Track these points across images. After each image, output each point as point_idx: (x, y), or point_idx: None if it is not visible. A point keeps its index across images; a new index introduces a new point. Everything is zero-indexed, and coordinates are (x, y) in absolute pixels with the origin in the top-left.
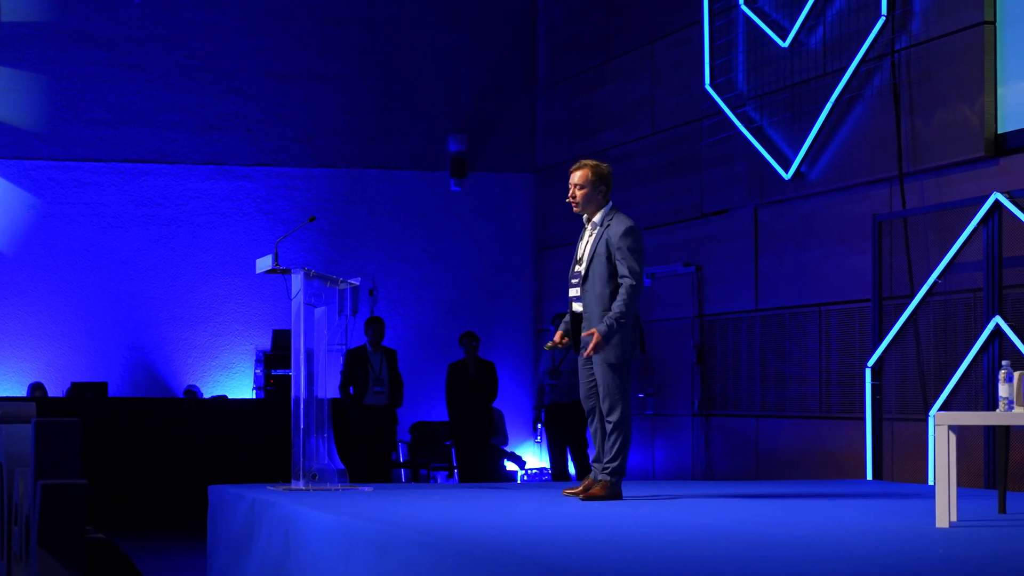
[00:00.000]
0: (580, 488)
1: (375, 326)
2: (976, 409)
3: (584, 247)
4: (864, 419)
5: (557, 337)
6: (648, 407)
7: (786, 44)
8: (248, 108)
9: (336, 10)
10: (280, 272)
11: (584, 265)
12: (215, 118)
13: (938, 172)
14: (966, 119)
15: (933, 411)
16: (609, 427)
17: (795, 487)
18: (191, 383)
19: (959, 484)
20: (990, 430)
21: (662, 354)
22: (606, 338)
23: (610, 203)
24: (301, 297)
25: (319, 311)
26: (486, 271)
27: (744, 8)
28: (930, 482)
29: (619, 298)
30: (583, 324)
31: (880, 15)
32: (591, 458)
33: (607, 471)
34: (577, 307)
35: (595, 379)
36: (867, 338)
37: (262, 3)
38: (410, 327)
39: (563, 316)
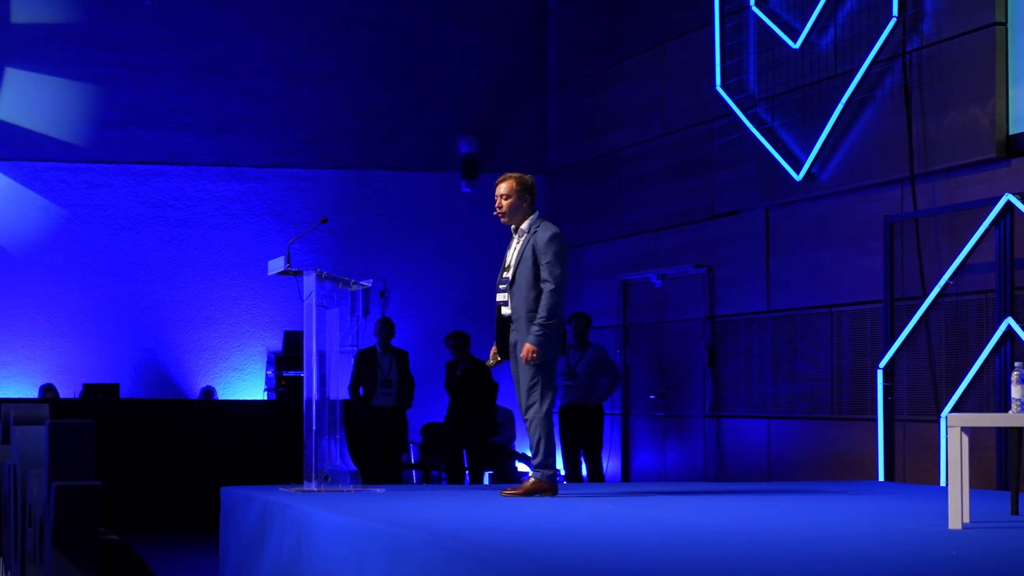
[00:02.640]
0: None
1: (384, 327)
2: (988, 410)
3: (512, 254)
4: (876, 420)
5: (493, 352)
6: (659, 408)
7: (797, 45)
8: (259, 110)
9: (347, 11)
10: (292, 274)
11: (512, 271)
12: (226, 120)
13: (949, 173)
14: (977, 120)
15: (945, 412)
16: (528, 424)
17: (807, 488)
18: (208, 384)
19: (971, 485)
20: (1002, 431)
21: (673, 355)
22: (540, 346)
23: (536, 212)
24: (313, 299)
25: (331, 312)
26: (496, 273)
27: (755, 9)
28: (942, 483)
29: (542, 303)
30: (512, 326)
31: (891, 16)
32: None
33: (537, 466)
34: (506, 311)
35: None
36: (879, 339)
37: (273, 5)
38: (420, 328)
39: (581, 315)
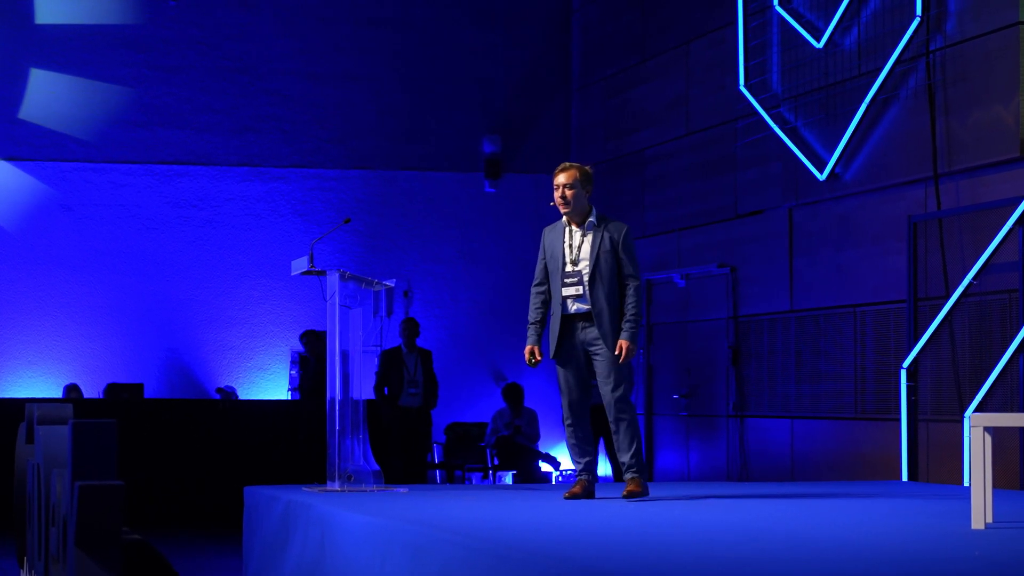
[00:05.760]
0: (580, 490)
1: (409, 327)
2: (1012, 410)
3: (578, 248)
4: (899, 420)
5: (532, 354)
6: (683, 408)
7: (821, 45)
8: (283, 110)
9: (371, 11)
10: (316, 274)
11: (589, 265)
12: (250, 120)
13: (973, 173)
14: (1001, 120)
15: (969, 412)
16: (623, 424)
17: (830, 488)
18: (227, 384)
19: (995, 485)
20: None
21: (697, 355)
22: (633, 341)
23: (592, 205)
24: (336, 299)
25: (354, 312)
26: (520, 272)
27: (779, 9)
28: (965, 483)
29: (631, 300)
30: (594, 321)
31: (915, 16)
32: (584, 464)
33: (633, 467)
34: (580, 306)
35: (587, 381)
36: (902, 339)
37: (297, 4)
38: (444, 328)
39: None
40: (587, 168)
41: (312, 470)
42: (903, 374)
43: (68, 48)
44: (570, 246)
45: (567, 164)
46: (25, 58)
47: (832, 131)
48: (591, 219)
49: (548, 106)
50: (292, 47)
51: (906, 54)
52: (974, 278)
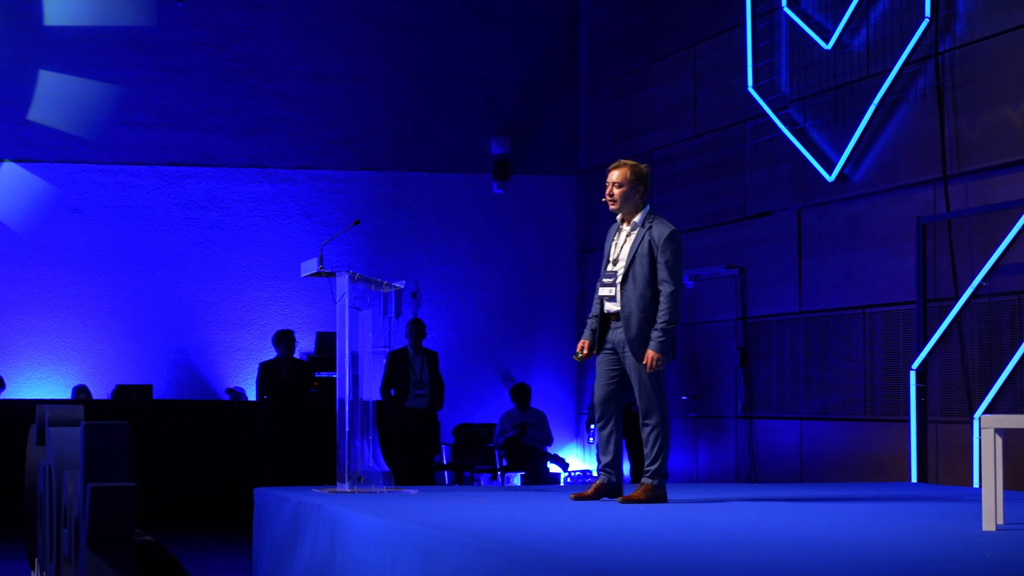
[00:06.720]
0: (589, 491)
1: (415, 328)
2: (1022, 411)
3: (620, 247)
4: (909, 422)
5: (584, 347)
6: (691, 410)
7: (829, 46)
8: (291, 111)
9: (378, 13)
10: (325, 275)
11: (624, 265)
12: (258, 121)
13: (982, 174)
14: (1010, 121)
15: (978, 414)
16: (648, 429)
17: (839, 490)
18: (236, 385)
19: (1005, 487)
20: None
21: (705, 357)
22: (663, 352)
23: (648, 205)
24: (346, 300)
25: (363, 314)
26: (528, 273)
27: (787, 10)
28: (976, 485)
29: (663, 306)
30: (622, 324)
31: (924, 17)
32: (602, 463)
33: (648, 474)
34: (611, 307)
35: (616, 381)
36: (911, 340)
37: (305, 6)
38: (452, 329)
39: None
40: (642, 167)
41: (322, 471)
42: (912, 375)
43: (76, 50)
44: (616, 245)
45: (621, 161)
46: (33, 60)
47: (841, 132)
48: (636, 219)
49: (556, 108)
50: (300, 49)
51: (915, 55)
52: (983, 279)
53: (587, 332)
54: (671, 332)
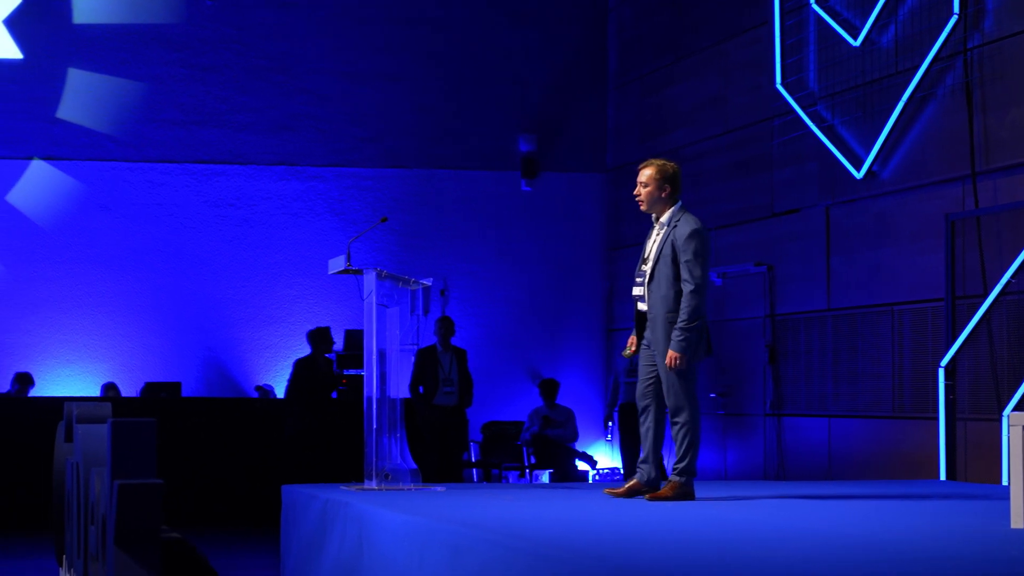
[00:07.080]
0: (623, 489)
1: (444, 326)
2: None
3: (651, 246)
4: (937, 419)
5: (632, 343)
6: (720, 407)
7: (858, 43)
8: (319, 109)
9: (407, 10)
10: (352, 272)
11: (650, 265)
12: (287, 119)
13: (1011, 171)
14: None
15: (1007, 411)
16: (676, 427)
17: (868, 488)
18: (265, 382)
19: None
20: None
21: (734, 354)
22: (684, 352)
23: (679, 203)
24: (374, 297)
25: (391, 311)
26: (557, 271)
27: (815, 7)
28: (1004, 482)
29: (683, 305)
30: (648, 324)
31: (952, 13)
32: (639, 460)
33: (676, 471)
34: (642, 306)
35: (653, 378)
36: (940, 338)
37: (333, 4)
38: (481, 327)
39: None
40: (669, 165)
41: (350, 469)
42: (941, 373)
43: (106, 48)
44: (649, 244)
45: (649, 161)
46: (63, 58)
47: (869, 129)
48: (664, 218)
49: (584, 105)
50: (328, 46)
51: (943, 52)
52: (1012, 276)
53: (635, 329)
54: (695, 331)
